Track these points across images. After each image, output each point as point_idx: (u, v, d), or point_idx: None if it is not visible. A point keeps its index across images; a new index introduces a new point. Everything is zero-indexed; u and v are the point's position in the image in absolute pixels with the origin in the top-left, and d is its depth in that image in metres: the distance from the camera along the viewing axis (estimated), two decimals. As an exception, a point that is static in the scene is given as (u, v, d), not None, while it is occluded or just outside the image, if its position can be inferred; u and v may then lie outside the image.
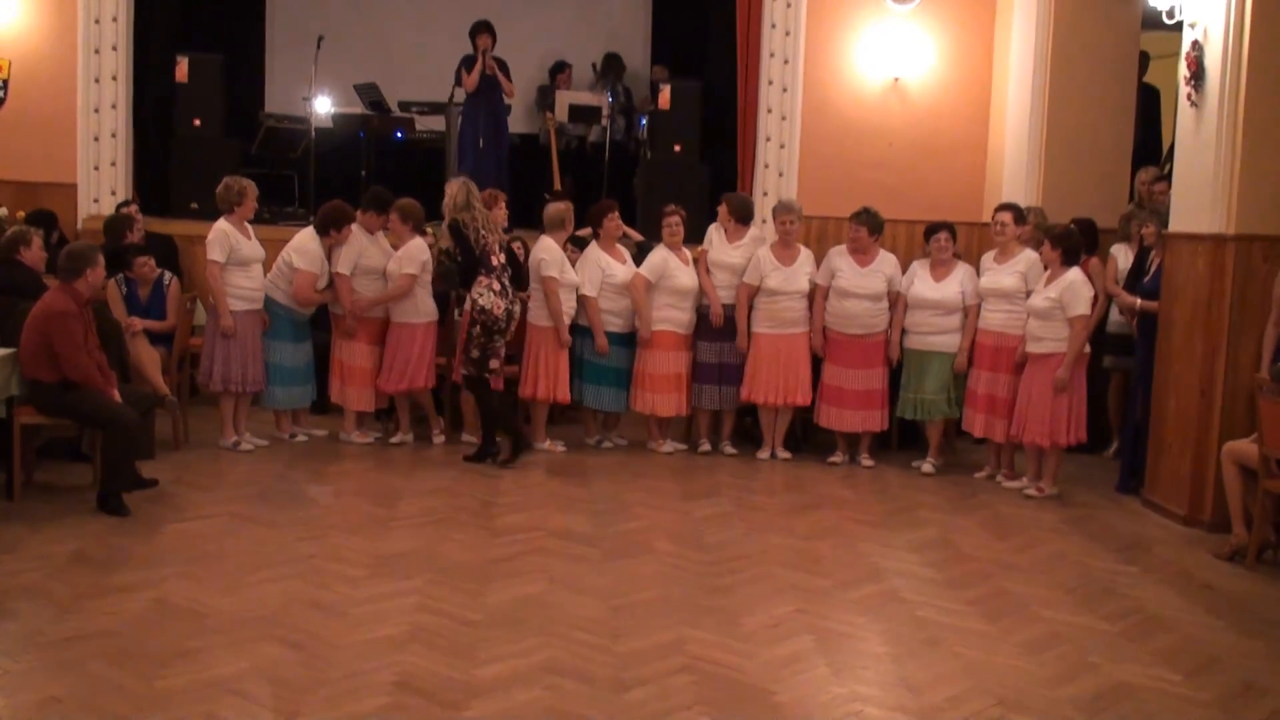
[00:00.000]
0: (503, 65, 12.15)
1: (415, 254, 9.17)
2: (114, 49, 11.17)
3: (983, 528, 7.90)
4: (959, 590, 6.63)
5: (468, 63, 12.04)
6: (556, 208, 9.54)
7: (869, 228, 9.24)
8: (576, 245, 9.72)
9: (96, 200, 11.24)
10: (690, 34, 13.82)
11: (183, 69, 11.75)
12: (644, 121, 13.24)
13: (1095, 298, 8.85)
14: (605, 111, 13.48)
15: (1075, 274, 8.52)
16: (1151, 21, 9.88)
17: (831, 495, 8.58)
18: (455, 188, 8.88)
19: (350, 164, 12.58)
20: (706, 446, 9.60)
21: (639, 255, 9.72)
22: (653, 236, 10.00)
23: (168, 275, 9.26)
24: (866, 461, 9.36)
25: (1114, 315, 9.60)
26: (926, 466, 9.21)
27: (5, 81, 11.23)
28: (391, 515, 7.58)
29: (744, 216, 9.64)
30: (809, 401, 9.39)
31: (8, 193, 10.92)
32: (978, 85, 11.40)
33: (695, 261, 9.50)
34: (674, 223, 9.46)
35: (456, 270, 9.06)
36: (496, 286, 8.71)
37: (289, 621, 5.74)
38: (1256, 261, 7.83)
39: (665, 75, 13.09)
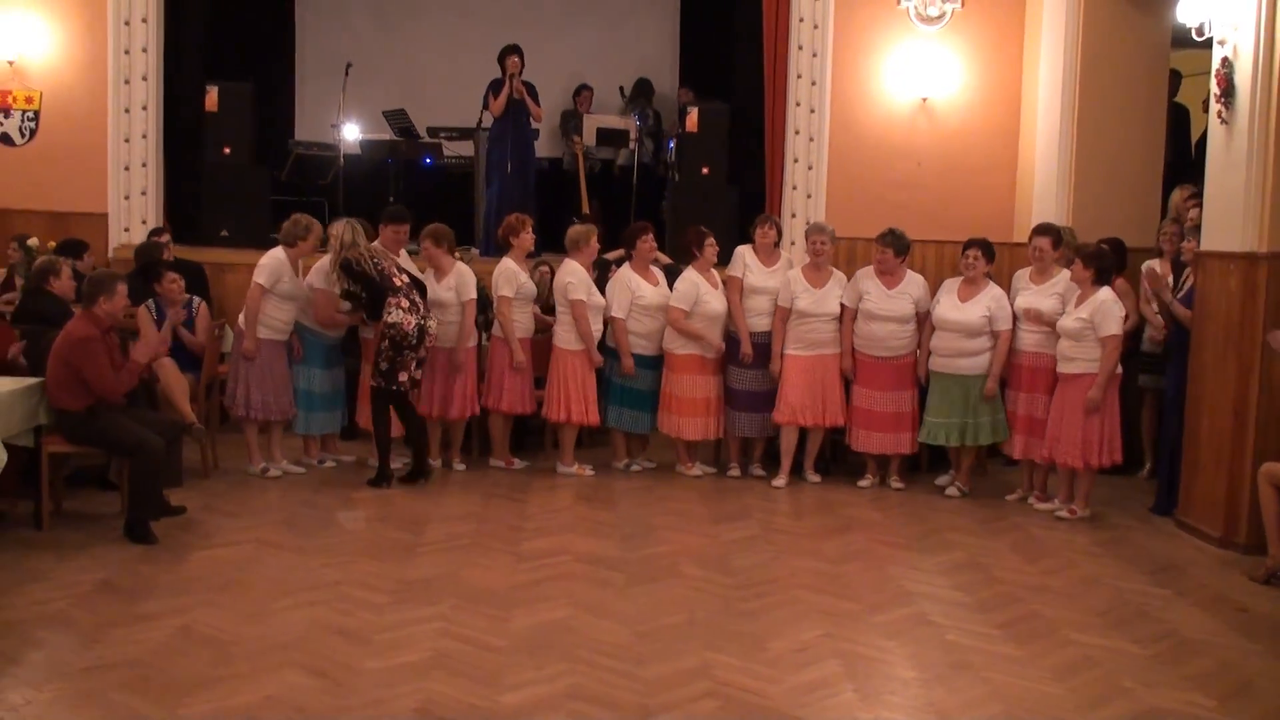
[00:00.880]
0: (531, 89, 12.20)
1: (469, 278, 9.27)
2: (144, 79, 11.25)
3: (1014, 550, 7.82)
4: (989, 614, 6.55)
5: (495, 86, 12.09)
6: (577, 229, 9.55)
7: (894, 249, 9.17)
8: (603, 268, 9.71)
9: (127, 229, 11.31)
10: (717, 57, 13.82)
11: (212, 98, 11.82)
12: (672, 144, 13.25)
13: (1126, 317, 8.76)
14: (633, 135, 13.49)
15: (1107, 293, 8.44)
16: (1181, 39, 9.82)
17: (861, 518, 8.51)
18: (340, 228, 8.82)
19: (379, 190, 12.65)
20: (736, 470, 9.54)
21: (668, 279, 9.68)
22: (681, 260, 9.98)
23: (196, 300, 9.29)
24: (896, 484, 9.29)
25: (1148, 333, 9.51)
26: (952, 490, 9.13)
27: (36, 113, 11.33)
28: (418, 541, 7.56)
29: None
30: (841, 422, 9.32)
31: (39, 223, 10.99)
32: (1007, 104, 11.34)
33: (726, 283, 9.44)
34: (714, 244, 9.42)
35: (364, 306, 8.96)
36: (405, 304, 8.66)
37: (313, 649, 5.73)
38: (1291, 279, 7.73)
39: (690, 98, 13.10)
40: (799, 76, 11.33)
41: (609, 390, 9.46)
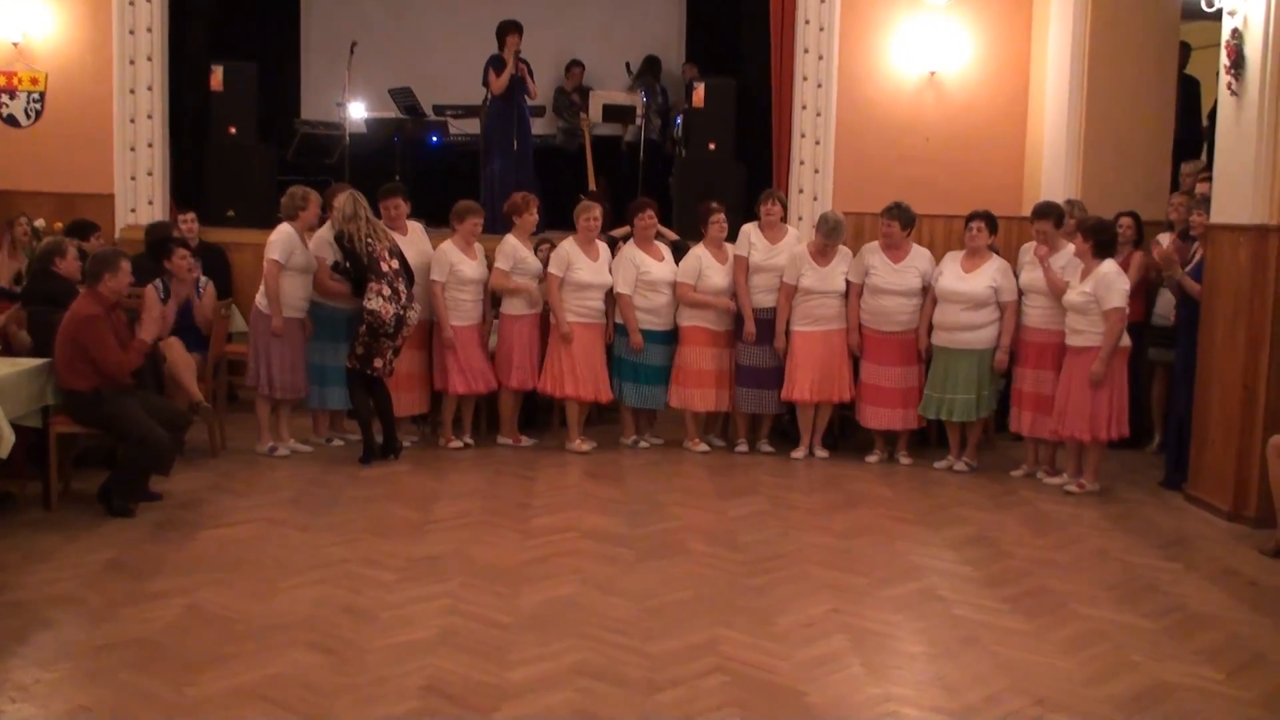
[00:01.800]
0: (527, 67, 12.15)
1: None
2: (149, 59, 11.26)
3: (1022, 525, 7.80)
4: (997, 588, 6.54)
5: (495, 63, 12.03)
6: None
7: (900, 222, 9.14)
8: (610, 245, 9.70)
9: (134, 210, 11.32)
10: (724, 32, 13.76)
11: (218, 77, 11.79)
12: (679, 120, 13.21)
13: (1137, 289, 8.73)
14: (640, 111, 13.44)
15: (1109, 266, 8.40)
16: (1191, 11, 9.75)
17: (869, 493, 8.50)
18: (342, 199, 8.81)
19: (385, 169, 12.60)
20: (744, 446, 9.54)
21: (676, 255, 9.66)
22: (689, 235, 9.96)
23: (204, 280, 9.27)
24: (905, 459, 9.28)
25: (1158, 309, 9.47)
26: (960, 466, 9.11)
27: (42, 94, 11.34)
28: (426, 519, 7.56)
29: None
30: (850, 398, 9.31)
31: (46, 204, 11.01)
32: (1015, 78, 11.29)
33: (736, 259, 9.42)
34: (720, 220, 9.41)
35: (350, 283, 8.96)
36: (386, 291, 8.61)
37: (320, 626, 5.73)
38: (1300, 251, 7.69)
39: (695, 73, 13.04)
40: (806, 51, 11.29)
41: (619, 366, 9.45)
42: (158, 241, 9.28)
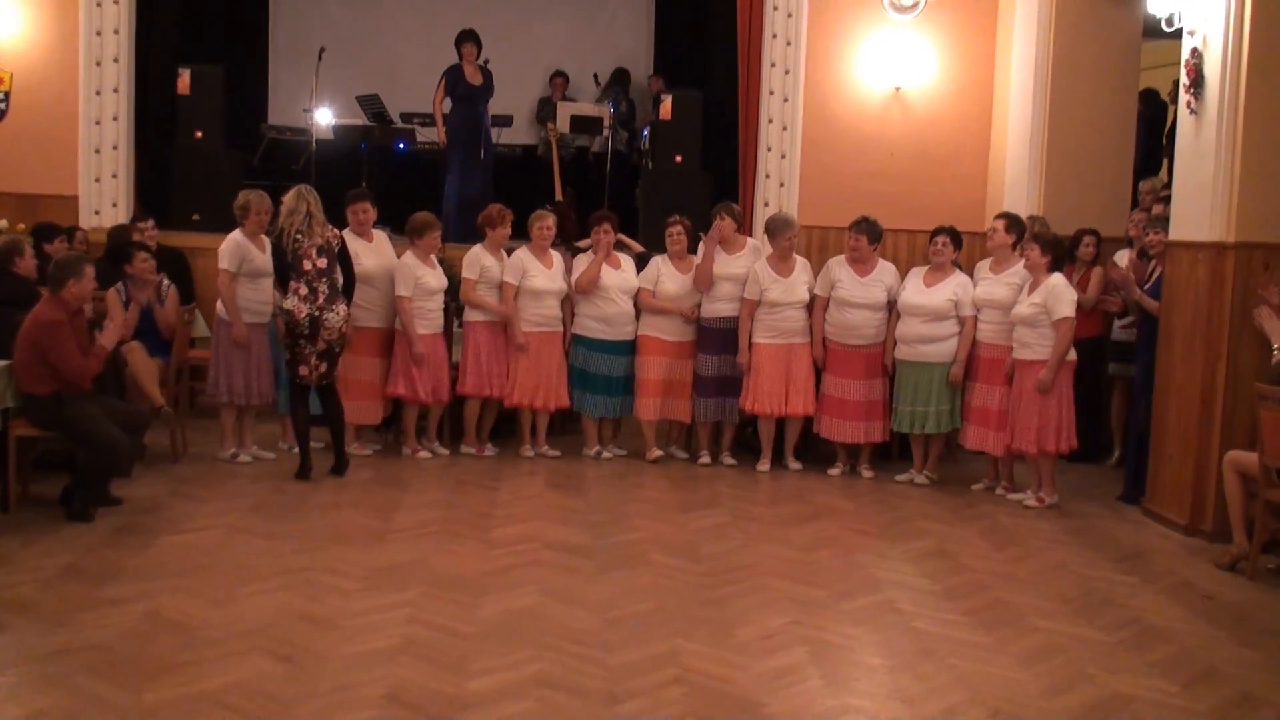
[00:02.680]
0: (487, 75, 12.19)
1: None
2: (115, 61, 11.21)
3: (981, 538, 7.86)
4: (956, 601, 6.58)
5: (450, 74, 12.07)
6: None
7: (868, 236, 9.20)
8: (574, 254, 9.74)
9: (98, 212, 11.27)
10: (692, 45, 13.83)
11: (184, 81, 11.77)
12: (646, 132, 13.25)
13: (1099, 305, 8.83)
14: (607, 122, 13.48)
15: (1058, 278, 8.52)
16: (1152, 30, 9.87)
17: (830, 506, 8.54)
18: (289, 195, 8.62)
19: (352, 175, 12.57)
20: (706, 458, 9.56)
21: (640, 265, 9.70)
22: (655, 247, 10.00)
23: (166, 282, 9.23)
24: (866, 472, 9.33)
25: (1118, 323, 9.56)
26: (920, 479, 9.16)
27: (6, 94, 11.27)
28: (388, 527, 7.55)
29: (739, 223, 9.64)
30: (811, 411, 9.35)
31: (9, 205, 10.95)
32: (979, 94, 11.39)
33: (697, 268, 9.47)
34: (675, 233, 9.47)
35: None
36: (303, 291, 8.42)
37: (280, 634, 5.70)
38: (1257, 269, 7.77)
39: (663, 86, 13.10)
40: (773, 65, 11.35)
41: (578, 377, 9.49)
42: (118, 246, 9.24)
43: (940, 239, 9.08)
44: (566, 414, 9.88)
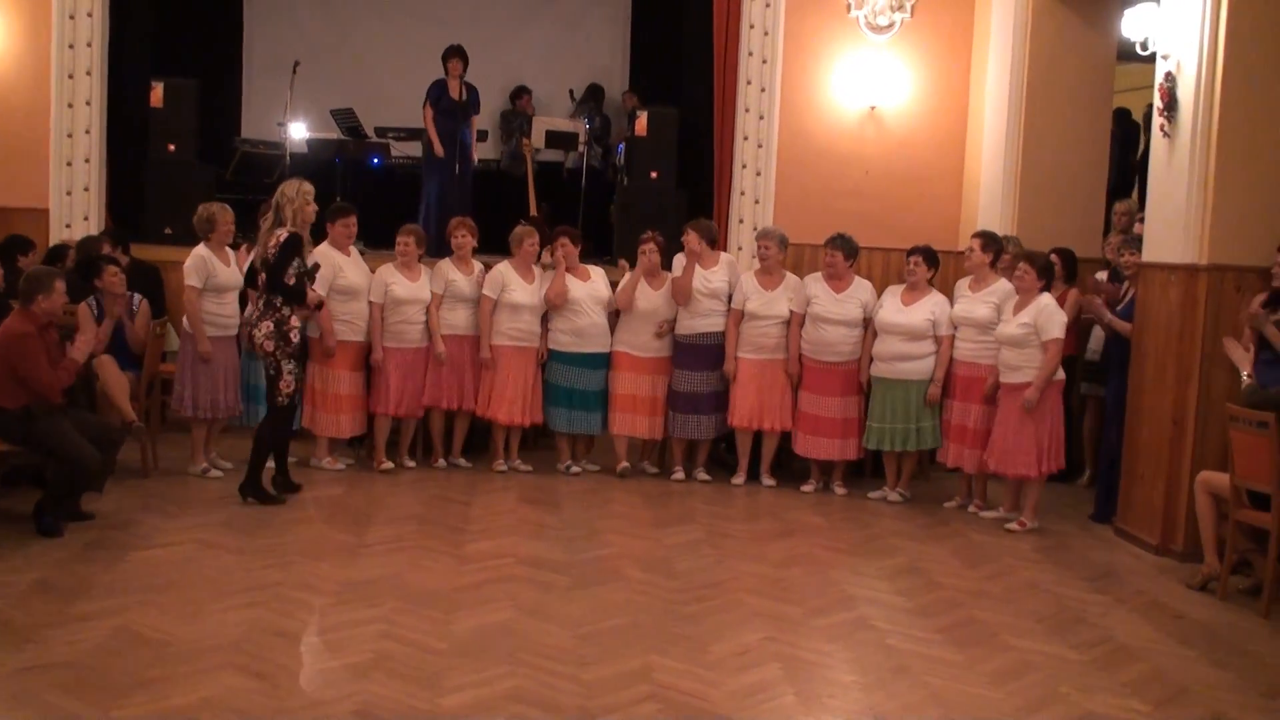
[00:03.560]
0: (473, 91, 12.20)
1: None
2: (88, 74, 11.14)
3: (954, 556, 7.88)
4: (929, 618, 6.59)
5: (435, 88, 12.09)
6: (517, 230, 9.61)
7: (844, 252, 9.23)
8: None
9: (69, 225, 11.17)
10: (668, 62, 13.84)
11: (157, 94, 11.71)
12: (621, 148, 13.26)
13: (1072, 325, 8.87)
14: (582, 138, 13.49)
15: (1048, 299, 8.54)
16: (1126, 53, 9.93)
17: (804, 522, 8.55)
18: (293, 187, 8.39)
19: (326, 190, 12.44)
20: (680, 474, 9.56)
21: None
22: (630, 264, 10.01)
23: (137, 297, 9.18)
24: (840, 489, 9.34)
25: (1091, 344, 9.60)
26: (894, 496, 9.18)
27: (-22, 106, 11.18)
28: (360, 542, 7.51)
29: (712, 238, 9.65)
30: (788, 427, 9.36)
31: (-21, 218, 10.86)
32: (954, 114, 11.43)
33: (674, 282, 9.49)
34: (649, 249, 9.48)
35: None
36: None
37: (251, 650, 5.66)
38: (1229, 291, 7.82)
39: (637, 102, 13.12)
40: (749, 83, 11.36)
41: (551, 392, 9.50)
42: (88, 260, 9.19)
43: (914, 259, 9.11)
44: (539, 429, 9.86)
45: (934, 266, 9.17)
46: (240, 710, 5.03)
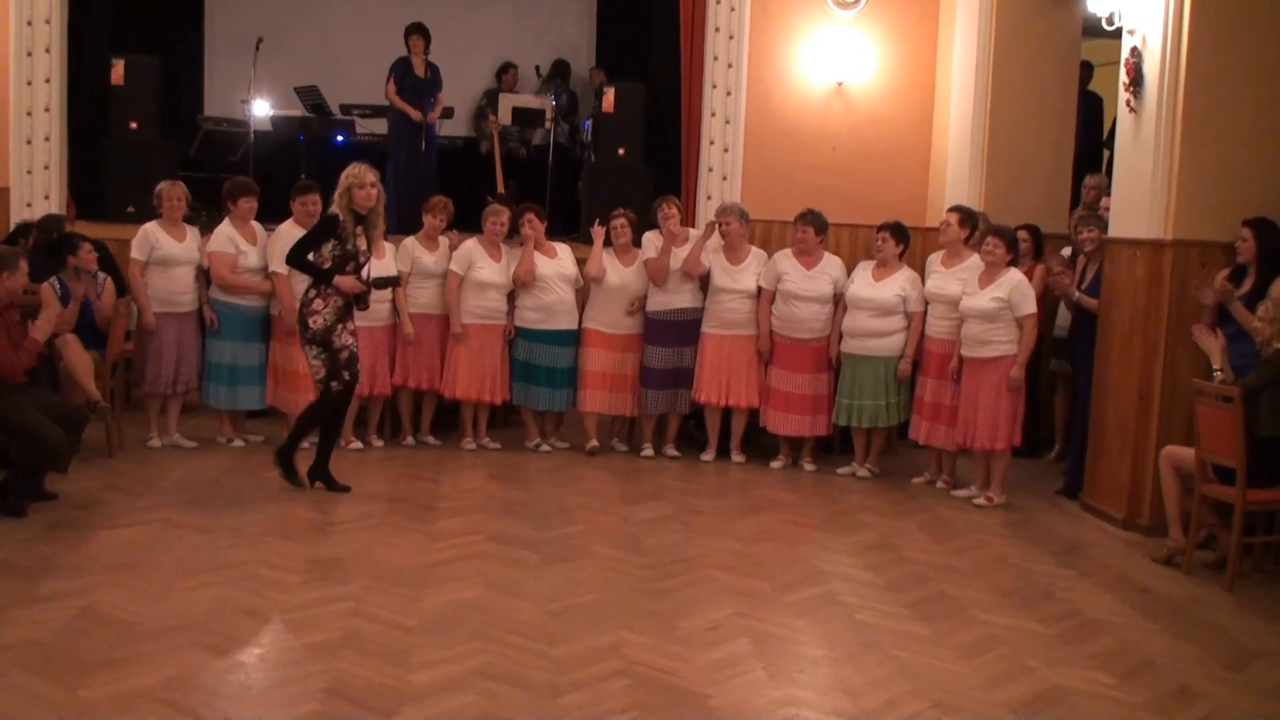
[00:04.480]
0: (434, 70, 12.15)
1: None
2: (47, 51, 10.97)
3: (923, 531, 7.90)
4: (898, 593, 6.61)
5: (399, 65, 12.03)
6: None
7: (815, 228, 9.23)
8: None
9: (30, 204, 11.00)
10: (634, 38, 13.79)
11: (118, 71, 11.55)
12: (588, 125, 13.21)
13: (1040, 301, 8.90)
14: (549, 115, 13.43)
15: (1018, 274, 8.55)
16: (1092, 29, 9.95)
17: (773, 498, 8.56)
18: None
19: (290, 167, 12.46)
20: (649, 451, 9.56)
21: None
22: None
23: (102, 275, 9.11)
24: (809, 465, 9.36)
25: (1059, 321, 9.63)
26: (862, 472, 9.21)
27: (-65, 84, 11.01)
28: (328, 520, 7.49)
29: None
30: (755, 404, 9.37)
31: (-64, 197, 10.72)
32: (921, 90, 11.43)
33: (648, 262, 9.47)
34: (619, 225, 9.45)
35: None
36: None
37: (219, 629, 5.63)
38: (1194, 267, 7.85)
39: (604, 78, 13.06)
40: (715, 59, 11.33)
41: (518, 369, 9.48)
42: (62, 238, 9.11)
43: (882, 234, 9.12)
44: (508, 406, 9.83)
45: (903, 242, 9.16)
46: (208, 688, 5.01)
